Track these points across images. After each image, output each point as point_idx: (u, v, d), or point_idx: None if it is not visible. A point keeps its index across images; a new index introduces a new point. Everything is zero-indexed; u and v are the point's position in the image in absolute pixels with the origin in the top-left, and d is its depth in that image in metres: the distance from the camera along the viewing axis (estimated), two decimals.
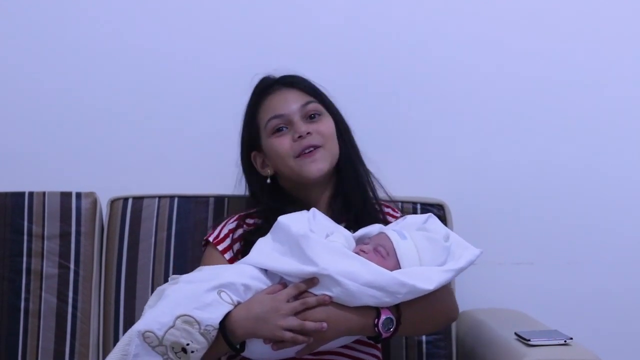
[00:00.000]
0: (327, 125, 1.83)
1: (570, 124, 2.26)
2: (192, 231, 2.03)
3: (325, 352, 1.69)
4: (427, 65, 2.24)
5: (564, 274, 2.25)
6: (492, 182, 2.25)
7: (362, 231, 1.73)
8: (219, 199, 2.07)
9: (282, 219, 1.66)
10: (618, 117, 2.26)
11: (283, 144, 1.80)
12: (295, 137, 1.79)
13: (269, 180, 1.86)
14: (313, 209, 1.73)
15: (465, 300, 2.17)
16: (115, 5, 2.22)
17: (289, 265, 1.61)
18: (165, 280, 1.99)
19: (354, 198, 1.84)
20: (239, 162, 1.93)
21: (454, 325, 2.07)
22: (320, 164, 1.79)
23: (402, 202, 2.08)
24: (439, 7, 2.24)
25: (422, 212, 2.06)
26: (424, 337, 2.04)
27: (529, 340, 1.72)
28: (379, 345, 1.80)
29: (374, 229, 1.73)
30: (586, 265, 2.26)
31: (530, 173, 2.25)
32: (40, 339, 2.00)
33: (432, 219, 1.75)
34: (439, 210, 2.10)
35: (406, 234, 1.67)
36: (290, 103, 1.83)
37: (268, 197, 1.85)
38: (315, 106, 1.84)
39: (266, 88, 1.88)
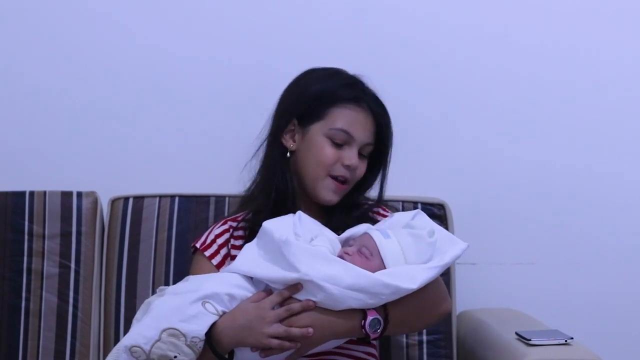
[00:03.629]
0: (363, 170, 1.82)
1: (571, 124, 2.26)
2: (193, 231, 2.03)
3: (320, 353, 1.69)
4: (427, 65, 2.24)
5: (565, 274, 2.25)
6: (493, 182, 2.25)
7: (348, 232, 1.72)
8: (220, 199, 2.07)
9: (267, 225, 1.65)
10: (619, 117, 2.26)
11: (329, 155, 1.77)
12: (343, 161, 1.77)
13: (288, 155, 1.82)
14: (299, 212, 1.72)
15: (466, 300, 2.18)
16: (116, 4, 2.21)
17: (273, 272, 1.60)
18: (165, 281, 2.00)
19: (342, 203, 1.84)
20: (263, 134, 1.87)
21: (454, 325, 2.07)
22: (336, 198, 1.80)
23: (403, 201, 2.08)
24: (440, 6, 2.23)
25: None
26: (424, 337, 2.04)
27: (530, 339, 1.73)
28: (374, 343, 1.80)
29: (359, 229, 1.72)
30: (586, 265, 2.26)
31: (531, 173, 2.25)
32: (40, 338, 2.00)
33: (419, 215, 1.73)
34: (439, 210, 2.10)
35: (390, 232, 1.66)
36: (365, 133, 1.79)
37: (282, 167, 1.80)
38: (369, 150, 1.82)
39: (358, 97, 1.80)
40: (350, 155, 1.78)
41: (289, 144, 1.82)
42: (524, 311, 2.13)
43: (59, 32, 2.21)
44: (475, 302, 2.19)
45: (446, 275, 2.06)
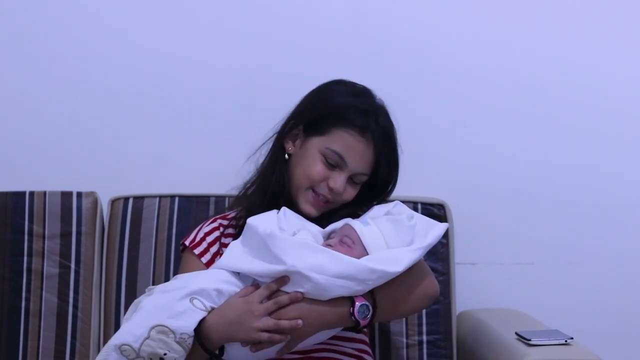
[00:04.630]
0: (351, 194, 1.79)
1: (571, 124, 2.26)
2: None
3: (311, 350, 1.69)
4: (427, 64, 2.24)
5: (564, 274, 2.26)
6: (493, 182, 2.25)
7: (330, 227, 1.73)
8: (220, 199, 2.07)
9: (251, 221, 1.66)
10: (619, 117, 2.26)
11: (318, 171, 1.75)
12: (329, 183, 1.75)
13: (287, 156, 1.81)
14: (284, 208, 1.73)
15: (466, 300, 2.18)
16: (116, 4, 2.21)
17: (259, 265, 1.61)
18: (165, 281, 2.00)
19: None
20: (275, 129, 1.84)
21: (454, 325, 2.07)
22: (314, 212, 1.77)
23: (403, 201, 2.06)
24: (440, 5, 2.24)
25: (422, 212, 2.06)
26: (424, 337, 2.04)
27: (530, 340, 1.73)
28: (367, 340, 1.81)
29: (340, 222, 1.73)
30: (586, 265, 2.26)
31: (531, 173, 2.25)
32: (40, 338, 2.01)
33: (398, 205, 1.74)
34: (439, 210, 2.10)
35: (369, 220, 1.68)
36: (361, 162, 1.76)
37: (280, 167, 1.80)
38: (362, 179, 1.79)
39: (365, 126, 1.76)
40: (337, 179, 1.75)
41: (288, 146, 1.82)
42: (524, 311, 2.13)
43: (59, 32, 2.21)
44: (475, 302, 2.19)
45: (446, 275, 2.06)
